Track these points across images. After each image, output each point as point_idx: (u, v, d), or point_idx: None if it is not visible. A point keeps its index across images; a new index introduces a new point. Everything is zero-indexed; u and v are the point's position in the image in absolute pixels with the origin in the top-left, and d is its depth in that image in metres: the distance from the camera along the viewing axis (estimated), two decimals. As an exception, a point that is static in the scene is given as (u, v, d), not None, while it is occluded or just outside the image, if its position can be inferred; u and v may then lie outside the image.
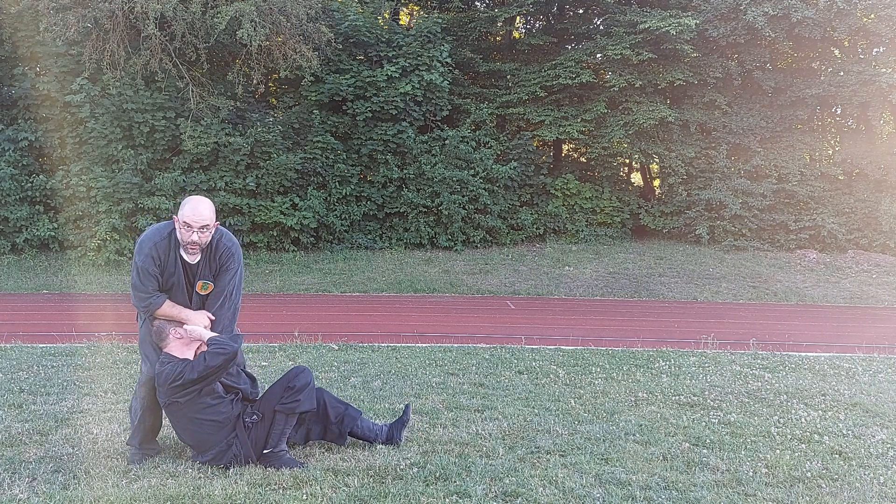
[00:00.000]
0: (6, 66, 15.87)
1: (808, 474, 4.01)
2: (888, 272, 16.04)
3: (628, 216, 18.93)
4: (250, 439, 4.02)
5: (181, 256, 4.07)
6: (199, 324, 4.07)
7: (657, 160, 19.73)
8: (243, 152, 15.61)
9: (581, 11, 20.94)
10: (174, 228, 4.05)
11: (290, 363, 6.78)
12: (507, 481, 3.81)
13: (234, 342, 3.98)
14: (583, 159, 20.13)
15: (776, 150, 18.59)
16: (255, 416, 4.05)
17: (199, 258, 4.11)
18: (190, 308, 4.14)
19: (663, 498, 3.66)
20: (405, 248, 17.17)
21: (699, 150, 18.83)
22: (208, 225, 3.99)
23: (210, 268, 4.14)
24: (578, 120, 18.30)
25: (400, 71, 16.75)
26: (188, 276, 4.11)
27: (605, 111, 18.57)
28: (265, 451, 4.03)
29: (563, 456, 4.24)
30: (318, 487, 3.70)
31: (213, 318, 4.12)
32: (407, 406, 4.53)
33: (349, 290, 13.63)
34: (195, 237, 3.96)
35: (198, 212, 3.96)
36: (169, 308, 4.07)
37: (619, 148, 19.08)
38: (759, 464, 4.18)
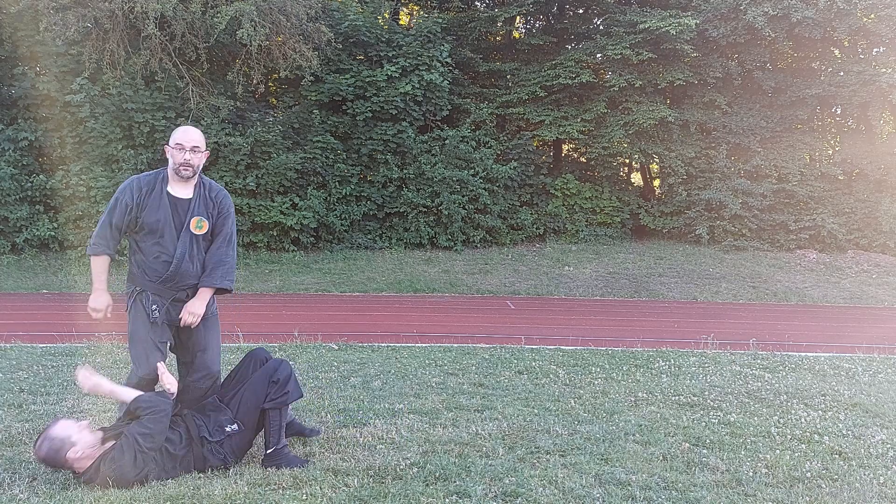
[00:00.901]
0: (6, 66, 15.86)
1: (808, 474, 4.01)
2: (888, 272, 16.04)
3: (628, 216, 18.93)
4: (228, 447, 3.97)
5: (168, 192, 3.97)
6: (102, 303, 3.99)
7: (657, 160, 19.73)
8: (243, 152, 15.61)
9: (581, 11, 20.93)
10: (162, 168, 4.04)
11: (291, 363, 6.76)
12: (507, 481, 3.81)
13: (164, 398, 3.83)
14: (583, 159, 20.13)
15: (776, 150, 18.59)
16: (234, 426, 3.99)
17: (191, 195, 4.00)
18: (176, 248, 3.93)
19: (663, 498, 3.66)
20: (405, 248, 17.17)
21: (699, 150, 18.83)
22: (199, 146, 3.96)
23: (206, 206, 4.02)
24: (578, 120, 18.30)
25: (400, 71, 16.75)
26: (178, 213, 3.96)
27: (605, 111, 18.57)
28: (268, 452, 4.02)
29: (563, 456, 4.24)
30: (318, 487, 3.70)
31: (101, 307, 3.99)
32: (316, 430, 4.37)
33: (349, 290, 13.63)
34: (188, 156, 3.91)
35: (189, 133, 3.97)
36: (97, 268, 3.95)
37: (619, 148, 19.07)
38: (759, 464, 4.18)
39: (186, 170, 3.94)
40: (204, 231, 4.01)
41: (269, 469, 3.95)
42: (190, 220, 3.97)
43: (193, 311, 4.03)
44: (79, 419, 3.89)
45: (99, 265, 3.97)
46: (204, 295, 4.06)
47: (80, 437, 3.64)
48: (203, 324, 4.11)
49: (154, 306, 4.01)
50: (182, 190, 4.00)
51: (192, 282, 4.04)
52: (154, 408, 3.78)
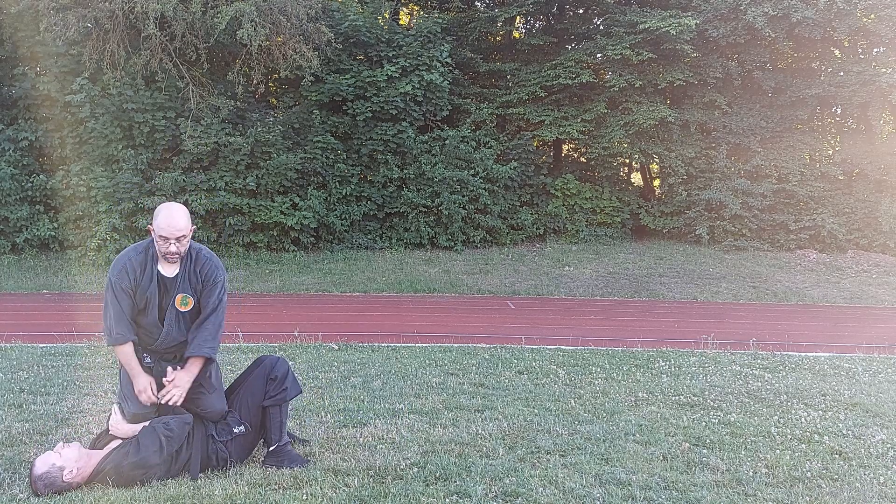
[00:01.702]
0: (6, 66, 15.86)
1: (808, 474, 4.02)
2: (888, 272, 16.04)
3: (628, 216, 18.93)
4: (234, 448, 3.99)
5: (158, 271, 3.93)
6: (146, 382, 3.85)
7: (657, 160, 19.73)
8: (243, 152, 15.61)
9: (581, 11, 20.93)
10: (151, 241, 3.94)
11: (291, 363, 6.76)
12: (507, 481, 3.81)
13: (185, 420, 3.86)
14: (583, 159, 20.13)
15: (776, 150, 18.58)
16: (242, 428, 4.01)
17: (178, 271, 3.96)
18: (161, 328, 3.91)
19: (663, 498, 3.66)
20: (405, 248, 17.17)
21: (699, 150, 18.83)
22: (185, 235, 3.86)
23: (191, 281, 3.96)
24: (578, 120, 18.30)
25: (400, 71, 16.75)
26: (162, 291, 3.92)
27: (605, 111, 18.56)
28: (271, 449, 4.03)
29: (563, 456, 4.24)
30: (318, 487, 3.70)
31: (159, 399, 3.85)
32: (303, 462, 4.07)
33: (349, 290, 13.63)
34: (173, 248, 3.84)
35: (173, 221, 3.82)
36: (126, 356, 3.84)
37: (619, 148, 19.06)
38: (759, 464, 4.18)
39: (173, 258, 3.89)
40: (189, 308, 3.96)
41: (269, 469, 3.96)
42: (175, 298, 3.93)
43: (181, 385, 3.87)
44: (53, 445, 3.91)
45: (125, 352, 3.87)
46: (193, 367, 3.93)
47: (64, 460, 3.63)
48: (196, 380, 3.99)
49: (145, 355, 3.97)
50: (169, 268, 3.96)
51: (180, 346, 4.00)
52: (179, 416, 3.86)
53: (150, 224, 3.89)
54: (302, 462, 4.01)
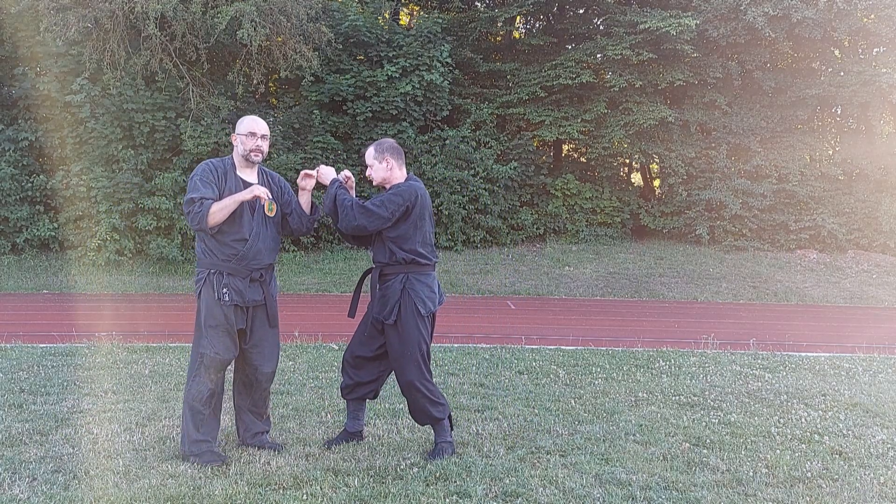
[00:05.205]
0: (6, 66, 15.85)
1: (809, 474, 4.02)
2: (888, 272, 16.04)
3: (628, 216, 18.92)
4: None
5: (240, 176, 4.23)
6: (257, 185, 4.19)
7: (657, 160, 19.72)
8: (243, 152, 15.58)
9: (581, 11, 20.92)
10: (226, 157, 4.31)
11: (290, 363, 6.78)
12: (507, 481, 3.82)
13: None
14: (583, 159, 20.12)
15: (776, 150, 18.58)
16: None
17: (257, 180, 4.28)
18: (252, 228, 4.13)
19: (663, 498, 3.67)
20: (405, 248, 17.14)
21: (699, 150, 18.82)
22: (267, 135, 4.27)
23: (271, 189, 4.31)
24: (578, 120, 18.29)
25: (400, 71, 16.75)
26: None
27: (605, 111, 18.54)
28: None
29: (563, 456, 4.24)
30: (318, 487, 3.70)
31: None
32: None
33: (349, 291, 13.62)
34: (259, 143, 4.21)
35: (259, 122, 4.27)
36: (222, 201, 4.04)
37: (619, 148, 19.05)
38: (760, 464, 4.18)
39: (257, 155, 4.22)
40: (273, 214, 4.25)
41: (268, 469, 3.96)
42: (262, 203, 4.22)
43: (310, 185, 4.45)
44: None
45: (217, 207, 4.03)
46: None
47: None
48: (266, 317, 4.27)
49: (224, 290, 4.09)
50: (249, 175, 4.27)
51: (265, 261, 4.22)
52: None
53: (233, 133, 4.28)
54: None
